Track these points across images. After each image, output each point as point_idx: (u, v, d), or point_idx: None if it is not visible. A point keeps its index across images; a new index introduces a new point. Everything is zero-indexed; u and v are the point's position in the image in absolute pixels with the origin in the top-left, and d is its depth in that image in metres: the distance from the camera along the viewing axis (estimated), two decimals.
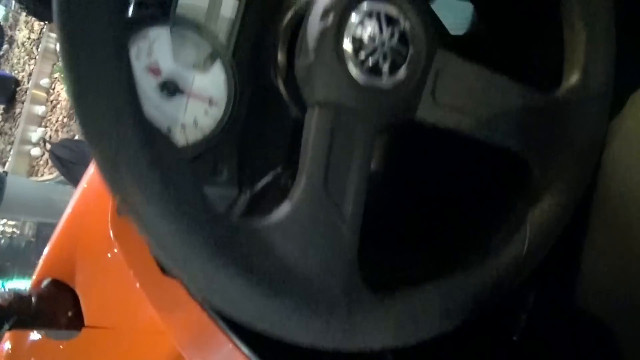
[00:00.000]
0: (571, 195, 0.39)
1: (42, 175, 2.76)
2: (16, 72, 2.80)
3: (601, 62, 0.39)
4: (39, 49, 2.64)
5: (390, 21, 0.33)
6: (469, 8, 0.80)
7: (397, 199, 0.53)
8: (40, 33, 2.65)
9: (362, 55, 0.33)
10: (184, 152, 0.41)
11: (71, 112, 2.47)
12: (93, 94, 0.26)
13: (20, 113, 2.66)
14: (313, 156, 0.32)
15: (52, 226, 0.73)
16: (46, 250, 0.70)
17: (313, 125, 0.33)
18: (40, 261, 0.69)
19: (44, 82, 2.61)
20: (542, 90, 0.39)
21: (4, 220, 3.23)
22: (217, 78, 0.42)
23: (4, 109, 2.81)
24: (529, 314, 0.51)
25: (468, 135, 0.37)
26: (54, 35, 2.63)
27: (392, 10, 0.34)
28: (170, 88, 0.40)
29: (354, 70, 0.33)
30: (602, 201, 0.47)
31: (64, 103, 2.64)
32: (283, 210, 0.32)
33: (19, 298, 0.61)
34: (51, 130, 2.70)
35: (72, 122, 2.56)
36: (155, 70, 0.40)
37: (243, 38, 0.42)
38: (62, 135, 2.64)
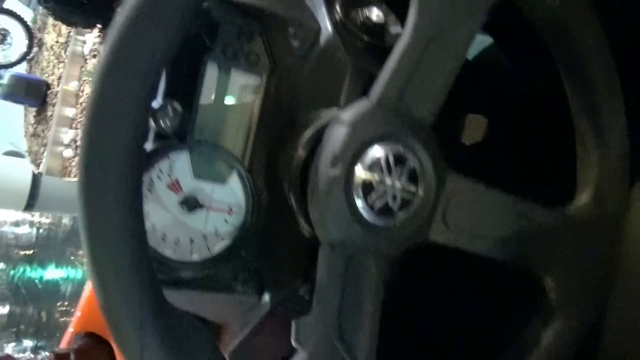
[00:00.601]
0: (584, 318, 0.39)
1: (75, 175, 2.84)
2: (46, 75, 2.85)
3: (614, 182, 0.39)
4: (67, 53, 2.68)
5: (399, 161, 0.34)
6: (487, 40, 0.80)
7: (408, 321, 0.54)
8: (67, 36, 2.69)
9: (372, 198, 0.33)
10: (208, 264, 0.43)
11: None
12: (115, 290, 0.28)
13: (51, 115, 2.72)
14: (327, 299, 0.33)
15: None
16: (80, 304, 0.73)
17: (326, 265, 0.34)
18: (75, 315, 0.73)
19: (73, 84, 2.67)
20: (554, 202, 0.39)
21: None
22: (235, 188, 0.43)
23: (36, 112, 2.87)
24: None
25: (481, 256, 0.37)
26: (81, 38, 2.67)
27: (400, 150, 0.34)
28: (191, 203, 0.42)
29: (364, 212, 0.34)
30: (624, 267, 0.47)
31: None
32: (298, 359, 0.33)
33: (58, 358, 0.65)
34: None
35: None
36: (176, 188, 0.42)
37: (258, 154, 0.43)
38: None
